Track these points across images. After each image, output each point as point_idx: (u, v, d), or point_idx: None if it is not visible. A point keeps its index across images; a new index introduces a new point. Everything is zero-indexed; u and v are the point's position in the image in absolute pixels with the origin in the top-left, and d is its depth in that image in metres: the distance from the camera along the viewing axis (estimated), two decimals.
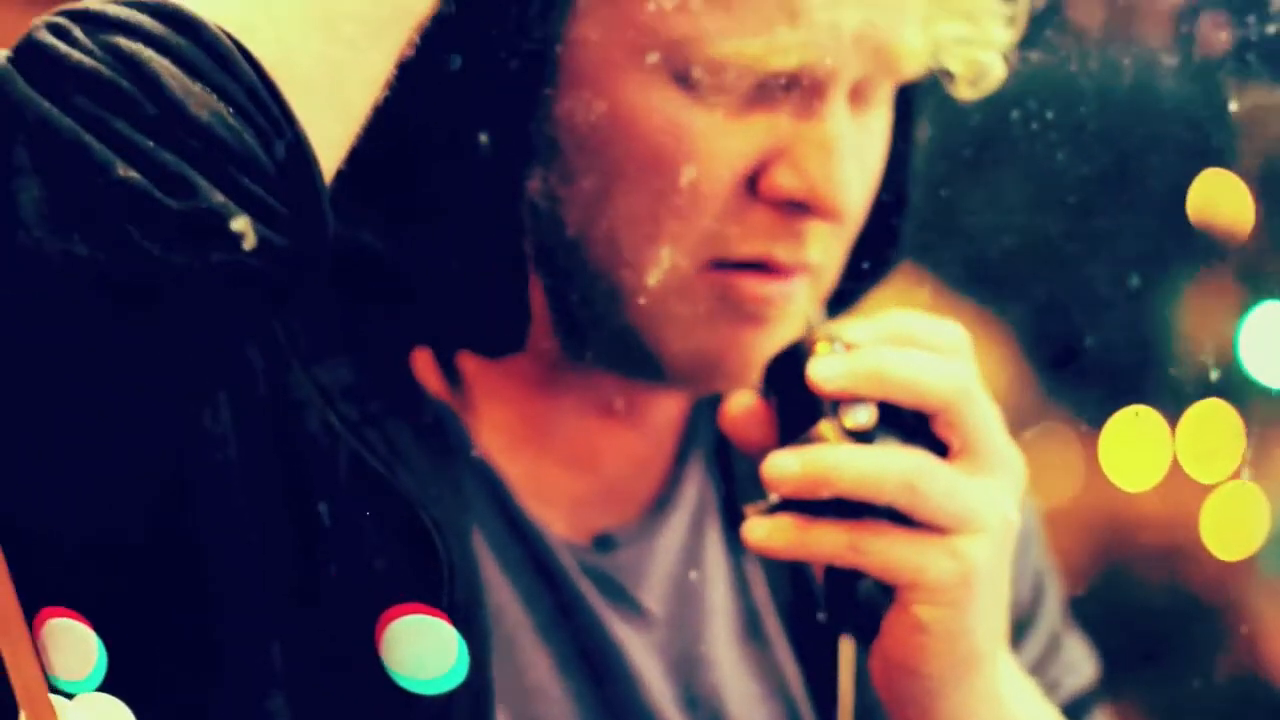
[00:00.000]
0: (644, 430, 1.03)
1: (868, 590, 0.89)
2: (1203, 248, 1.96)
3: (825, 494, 0.87)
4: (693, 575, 1.01)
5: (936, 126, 1.74)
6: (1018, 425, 2.12)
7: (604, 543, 1.00)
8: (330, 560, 0.89)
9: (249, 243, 0.73)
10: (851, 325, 0.91)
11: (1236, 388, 2.04)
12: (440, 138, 0.89)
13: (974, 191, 2.02)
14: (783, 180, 0.92)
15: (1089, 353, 2.18)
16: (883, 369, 0.88)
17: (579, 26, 0.90)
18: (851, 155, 0.92)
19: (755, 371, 0.96)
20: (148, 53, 0.73)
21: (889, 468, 0.86)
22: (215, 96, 0.73)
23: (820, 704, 1.00)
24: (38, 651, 0.76)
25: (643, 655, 0.98)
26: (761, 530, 0.89)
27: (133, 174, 0.71)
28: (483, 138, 0.89)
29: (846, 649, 0.97)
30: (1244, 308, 1.99)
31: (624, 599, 0.99)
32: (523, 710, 0.95)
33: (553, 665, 0.96)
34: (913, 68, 0.95)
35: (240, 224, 0.73)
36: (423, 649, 0.87)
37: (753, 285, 0.93)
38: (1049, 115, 1.92)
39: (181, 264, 0.72)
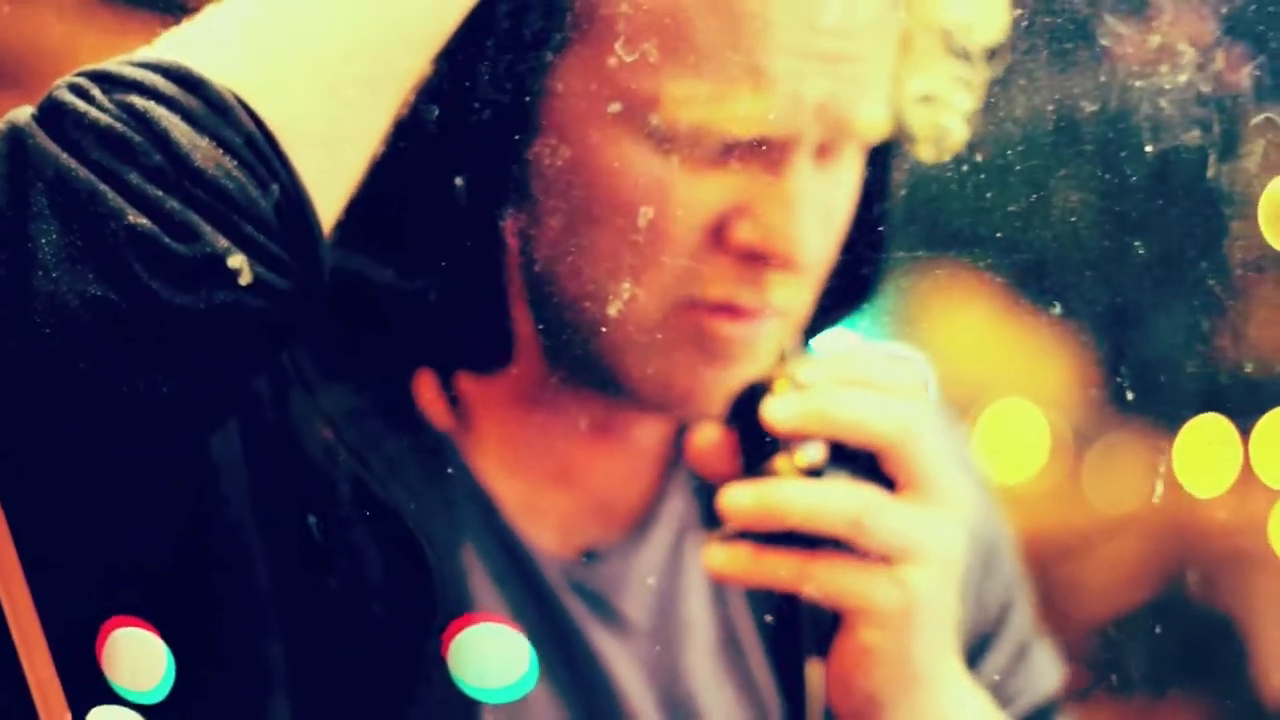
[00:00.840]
0: (629, 449, 1.09)
1: (819, 612, 0.95)
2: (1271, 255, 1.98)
3: (777, 528, 0.93)
4: (650, 581, 1.06)
5: (999, 142, 1.77)
6: (1088, 434, 2.14)
7: (590, 557, 1.06)
8: (330, 573, 0.97)
9: (245, 278, 0.79)
10: (812, 364, 0.96)
11: None
12: (428, 182, 0.95)
13: (1041, 201, 2.04)
14: (745, 233, 0.97)
15: (1159, 362, 2.20)
16: (831, 411, 0.94)
17: (555, 79, 0.96)
18: (812, 211, 0.97)
19: (720, 404, 1.01)
20: (159, 110, 0.79)
21: (836, 504, 0.93)
22: (219, 149, 0.80)
23: (792, 711, 1.06)
24: (60, 665, 0.80)
25: (623, 664, 1.05)
26: (719, 557, 0.95)
27: (143, 221, 0.77)
28: (463, 181, 0.95)
29: (815, 667, 1.02)
30: None
31: (607, 611, 1.06)
32: (510, 716, 1.01)
33: (538, 674, 1.02)
34: (875, 135, 1.00)
35: (236, 261, 0.79)
36: (492, 657, 0.95)
37: (720, 325, 0.99)
38: (1113, 125, 1.94)
39: (187, 304, 0.78)
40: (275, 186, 0.81)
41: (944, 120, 1.04)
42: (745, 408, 0.96)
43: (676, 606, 1.09)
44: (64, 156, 0.78)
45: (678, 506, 1.11)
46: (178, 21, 0.86)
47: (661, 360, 1.00)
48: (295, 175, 0.82)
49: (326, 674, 0.97)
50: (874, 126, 0.99)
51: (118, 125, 0.79)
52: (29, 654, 0.77)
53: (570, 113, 0.97)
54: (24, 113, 0.81)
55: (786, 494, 0.93)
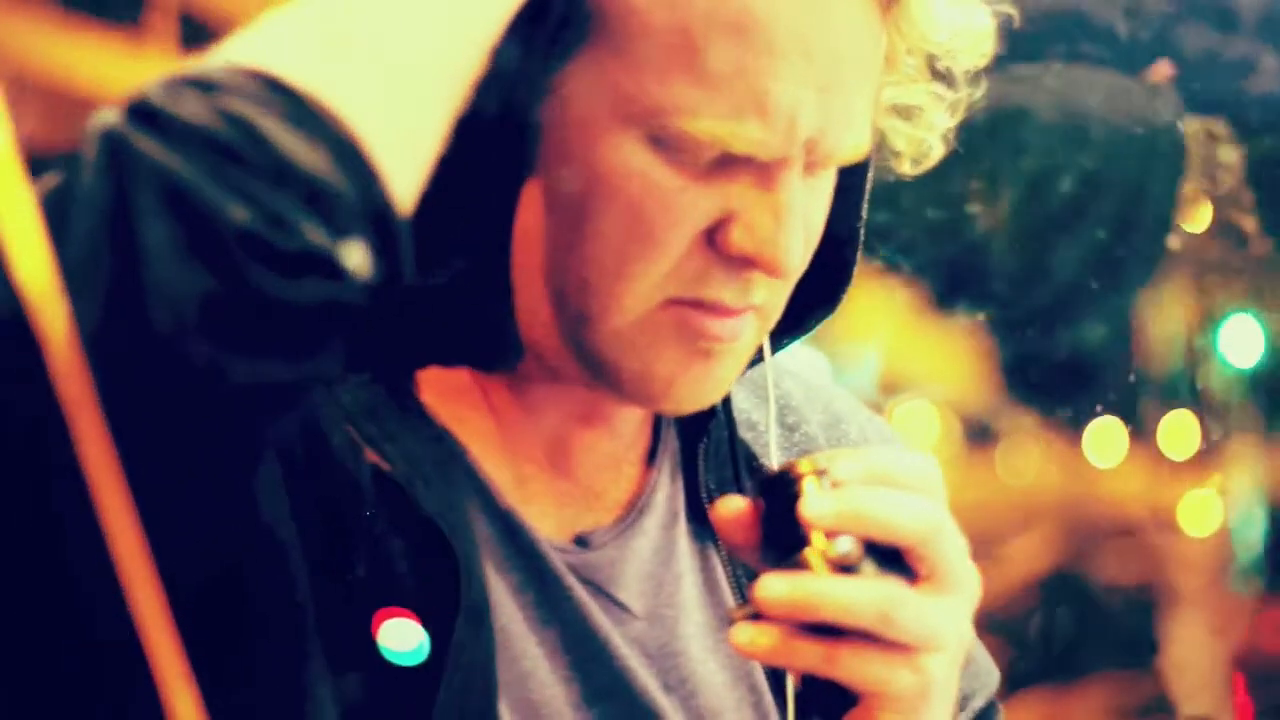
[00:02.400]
0: (616, 438, 1.13)
1: (834, 688, 0.98)
2: (1165, 258, 2.11)
3: (809, 620, 0.95)
4: (643, 567, 1.12)
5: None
6: (990, 422, 2.24)
7: (583, 543, 1.11)
8: (359, 562, 1.00)
9: (364, 272, 0.82)
10: (839, 460, 0.98)
11: (1197, 390, 2.20)
12: (451, 177, 0.95)
13: (952, 207, 2.16)
14: (737, 239, 1.00)
15: (1059, 358, 2.32)
16: (863, 510, 0.95)
17: (569, 84, 0.99)
18: (799, 221, 1.01)
19: (704, 399, 1.07)
20: (248, 109, 0.81)
21: (866, 599, 0.94)
22: (308, 146, 0.81)
23: (778, 688, 1.12)
24: None
25: (624, 645, 1.09)
26: (745, 636, 0.96)
27: (244, 216, 0.79)
28: (478, 177, 0.98)
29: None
30: (1206, 316, 2.15)
31: (604, 595, 1.10)
32: (519, 695, 1.05)
33: (543, 655, 1.07)
34: (856, 158, 1.04)
35: (355, 257, 0.81)
36: (401, 637, 1.00)
37: (704, 322, 1.02)
38: (1019, 134, 2.05)
39: (289, 297, 0.80)
40: (362, 183, 0.83)
41: (923, 136, 1.10)
42: (775, 492, 0.98)
43: (670, 592, 1.13)
44: (165, 156, 0.79)
45: (665, 495, 1.16)
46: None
47: (647, 355, 1.03)
48: (379, 171, 0.83)
49: (363, 663, 1.00)
50: (857, 152, 1.04)
51: (212, 125, 0.80)
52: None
53: (585, 120, 1.00)
54: (113, 116, 0.82)
55: (820, 589, 0.95)
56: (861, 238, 1.15)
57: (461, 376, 1.10)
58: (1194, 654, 2.21)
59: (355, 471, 1.01)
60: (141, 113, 0.81)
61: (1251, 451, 2.22)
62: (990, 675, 1.26)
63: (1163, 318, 2.19)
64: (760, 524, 0.99)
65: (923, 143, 1.10)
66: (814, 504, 0.95)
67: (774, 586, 0.94)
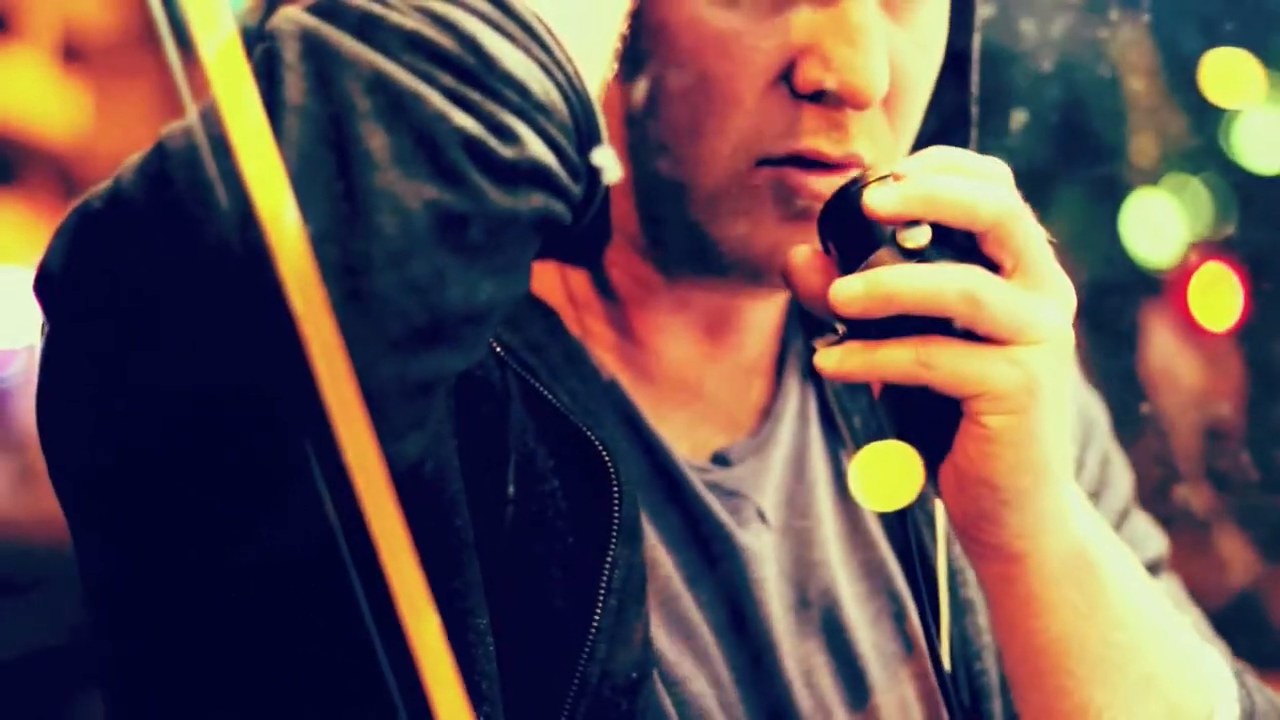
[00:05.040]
0: (742, 347, 1.10)
1: (934, 408, 0.92)
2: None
3: (890, 311, 0.89)
4: (780, 478, 1.09)
5: None
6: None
7: (721, 460, 1.08)
8: (509, 480, 0.96)
9: (611, 178, 0.81)
10: (904, 163, 0.93)
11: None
12: None
13: None
14: (811, 72, 0.96)
15: None
16: (934, 191, 0.90)
17: None
18: (877, 41, 0.96)
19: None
20: (457, 13, 0.79)
21: (949, 281, 0.89)
22: (519, 52, 0.79)
23: (919, 599, 1.08)
24: None
25: (764, 563, 1.06)
26: (832, 358, 0.91)
27: (468, 123, 0.77)
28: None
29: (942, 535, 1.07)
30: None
31: (743, 512, 1.07)
32: (670, 614, 1.02)
33: (687, 576, 1.03)
34: None
35: (603, 157, 0.80)
36: None
37: (803, 178, 0.98)
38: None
39: (509, 207, 0.78)
40: (575, 100, 0.81)
41: None
42: (838, 213, 0.93)
43: (806, 502, 1.10)
44: (379, 59, 0.77)
45: (795, 402, 1.13)
46: None
47: (746, 222, 0.99)
48: (582, 79, 0.82)
49: (517, 580, 0.96)
50: None
51: (423, 29, 0.78)
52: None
53: None
54: (304, 15, 0.79)
55: (897, 276, 0.89)
56: (974, 83, 1.10)
57: (587, 294, 1.07)
58: None
59: (501, 385, 0.98)
60: (335, 11, 0.79)
61: None
62: (1148, 542, 1.23)
63: None
64: (835, 260, 0.93)
65: None
66: (878, 194, 0.90)
67: (849, 286, 0.89)
